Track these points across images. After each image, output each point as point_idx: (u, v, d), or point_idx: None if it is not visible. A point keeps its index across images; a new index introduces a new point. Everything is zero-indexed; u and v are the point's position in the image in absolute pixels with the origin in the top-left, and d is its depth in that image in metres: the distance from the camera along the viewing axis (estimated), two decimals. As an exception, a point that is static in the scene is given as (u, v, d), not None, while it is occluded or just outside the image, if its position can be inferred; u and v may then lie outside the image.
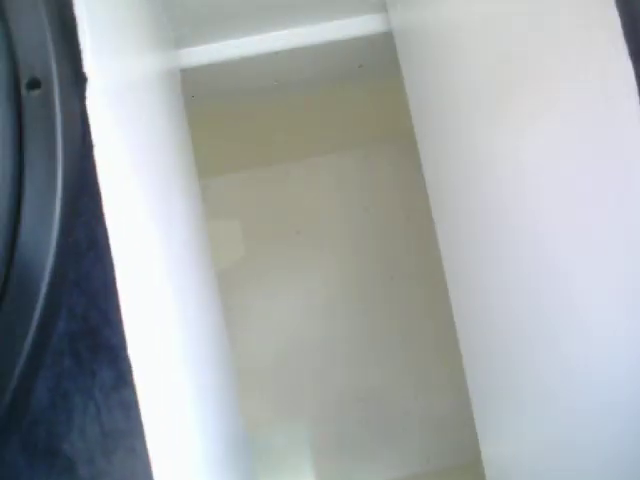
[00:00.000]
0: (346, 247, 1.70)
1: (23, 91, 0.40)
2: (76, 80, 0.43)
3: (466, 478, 1.46)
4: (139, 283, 0.45)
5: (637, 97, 0.41)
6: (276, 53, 1.05)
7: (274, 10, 1.01)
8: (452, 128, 0.84)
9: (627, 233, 0.47)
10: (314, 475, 1.66)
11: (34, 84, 0.41)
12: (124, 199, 0.45)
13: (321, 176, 1.72)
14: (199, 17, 0.98)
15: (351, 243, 1.70)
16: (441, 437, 1.66)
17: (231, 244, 1.74)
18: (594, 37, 0.46)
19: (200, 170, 1.23)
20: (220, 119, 1.59)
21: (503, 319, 0.78)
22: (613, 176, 0.47)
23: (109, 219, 0.41)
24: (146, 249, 0.50)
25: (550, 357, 0.66)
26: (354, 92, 1.57)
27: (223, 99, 1.35)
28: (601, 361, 0.55)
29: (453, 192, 0.90)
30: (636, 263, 0.46)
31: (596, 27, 0.45)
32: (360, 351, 1.68)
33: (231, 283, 1.69)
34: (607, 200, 0.49)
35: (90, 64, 0.44)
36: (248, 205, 1.72)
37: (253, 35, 1.06)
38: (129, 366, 0.41)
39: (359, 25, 1.08)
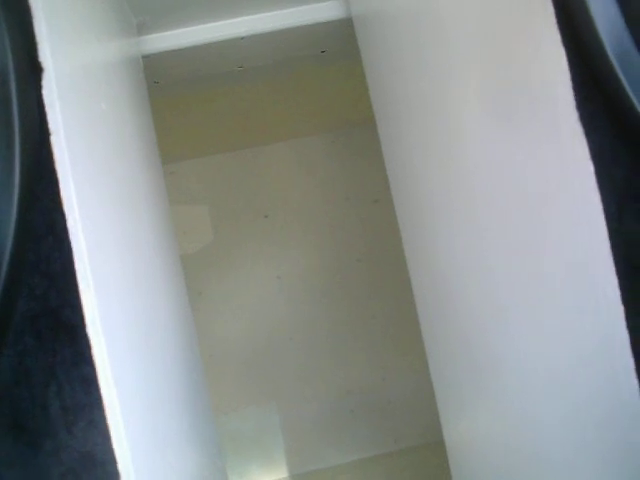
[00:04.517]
0: (314, 230, 1.72)
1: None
2: (32, 70, 0.45)
3: (431, 457, 1.50)
4: (97, 266, 0.47)
5: (570, 82, 0.45)
6: (240, 39, 1.06)
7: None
8: (407, 113, 0.86)
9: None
10: (285, 457, 1.70)
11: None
12: (81, 185, 0.46)
13: (289, 160, 1.74)
14: (161, 3, 0.99)
15: (319, 226, 1.72)
16: (408, 418, 1.70)
17: (199, 229, 1.75)
18: (530, 24, 0.49)
19: (167, 155, 1.23)
20: (186, 104, 1.60)
21: (460, 305, 0.82)
22: (548, 169, 0.50)
23: (66, 204, 0.43)
24: (105, 234, 0.52)
25: (503, 341, 0.69)
26: (320, 77, 1.59)
27: (188, 85, 1.35)
28: (550, 344, 0.59)
29: (410, 175, 0.92)
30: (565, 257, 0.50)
31: (532, 16, 0.48)
32: (327, 335, 1.71)
33: (199, 267, 1.70)
34: (546, 190, 0.52)
35: (46, 54, 0.46)
36: (216, 190, 1.73)
37: (216, 21, 1.07)
38: (88, 344, 0.44)
39: (321, 11, 1.09)
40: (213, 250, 1.73)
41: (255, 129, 1.70)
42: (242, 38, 1.05)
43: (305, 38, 1.14)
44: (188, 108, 1.61)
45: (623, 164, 0.46)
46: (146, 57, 1.05)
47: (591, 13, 0.44)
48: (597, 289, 0.47)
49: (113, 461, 0.44)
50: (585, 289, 0.49)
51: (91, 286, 0.44)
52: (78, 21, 0.62)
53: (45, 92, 0.44)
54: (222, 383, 1.69)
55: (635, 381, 0.45)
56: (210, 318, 1.70)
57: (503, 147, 0.57)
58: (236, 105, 1.63)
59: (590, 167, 0.45)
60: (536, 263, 0.56)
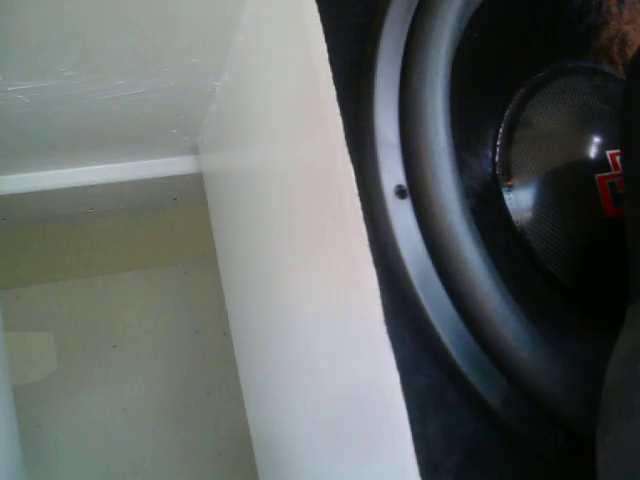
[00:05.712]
0: (162, 362, 1.73)
1: None
2: None
3: None
4: None
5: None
6: (91, 186, 1.13)
7: (90, 147, 1.09)
8: (241, 254, 0.97)
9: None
10: None
11: None
12: None
13: (139, 290, 1.77)
14: (11, 148, 1.03)
15: (168, 358, 1.74)
16: None
17: (43, 357, 1.70)
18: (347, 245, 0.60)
19: (13, 280, 1.24)
20: (36, 234, 1.61)
21: (292, 445, 0.89)
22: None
23: None
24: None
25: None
26: (171, 218, 1.67)
27: (39, 221, 1.38)
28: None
29: (244, 308, 1.02)
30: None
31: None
32: (172, 470, 1.69)
33: (41, 398, 1.64)
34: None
35: None
36: (62, 317, 1.71)
37: (69, 168, 1.13)
38: None
39: (173, 165, 1.19)
40: (56, 380, 1.68)
41: (106, 258, 1.72)
42: (92, 186, 1.11)
43: (158, 187, 1.23)
44: (38, 238, 1.62)
45: (426, 374, 0.55)
46: (-6, 198, 1.08)
47: (397, 240, 0.54)
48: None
49: None
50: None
51: None
52: None
53: None
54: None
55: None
56: (49, 451, 1.63)
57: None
58: (86, 236, 1.66)
59: (396, 376, 0.53)
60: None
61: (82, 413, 1.67)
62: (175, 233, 1.73)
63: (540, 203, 0.67)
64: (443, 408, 0.55)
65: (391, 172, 0.54)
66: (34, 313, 1.70)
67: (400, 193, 0.53)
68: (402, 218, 0.53)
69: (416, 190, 0.53)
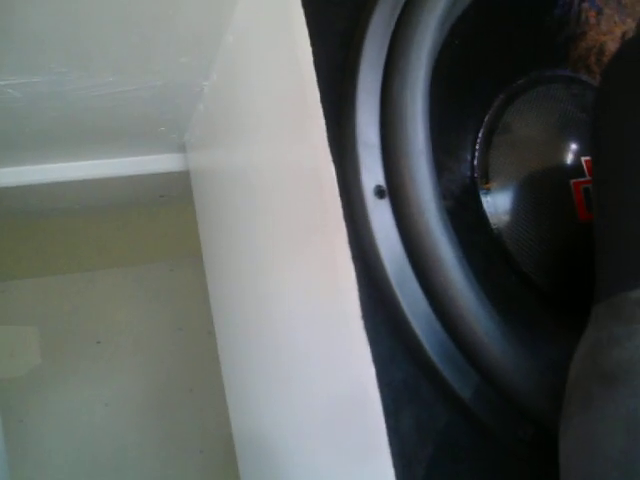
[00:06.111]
0: (146, 359, 1.73)
1: None
2: None
3: None
4: None
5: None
6: (78, 182, 1.14)
7: (79, 142, 1.10)
8: (228, 251, 0.99)
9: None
10: None
11: None
12: None
13: (124, 286, 1.76)
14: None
15: (151, 355, 1.74)
16: None
17: (27, 351, 1.70)
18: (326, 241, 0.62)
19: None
20: (22, 229, 1.61)
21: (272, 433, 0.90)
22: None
23: None
24: None
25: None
26: (158, 215, 1.67)
27: (24, 216, 1.38)
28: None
29: (229, 305, 1.04)
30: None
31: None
32: (153, 465, 1.69)
33: (24, 392, 1.64)
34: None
35: None
36: (48, 312, 1.71)
37: (56, 163, 1.14)
38: None
39: (160, 163, 1.21)
40: (40, 375, 1.68)
41: (91, 254, 1.72)
42: (79, 181, 1.12)
43: (145, 184, 1.24)
44: (23, 233, 1.62)
45: (401, 368, 0.57)
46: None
47: (376, 239, 0.56)
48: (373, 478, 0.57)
49: None
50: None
51: None
52: None
53: None
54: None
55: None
56: (32, 446, 1.63)
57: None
58: (72, 232, 1.66)
59: (372, 369, 0.55)
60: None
61: (65, 408, 1.67)
62: (161, 231, 1.74)
63: (517, 206, 0.69)
64: (417, 402, 0.57)
65: (371, 172, 0.55)
66: (19, 307, 1.70)
67: (379, 193, 0.55)
68: (381, 217, 0.55)
69: (395, 190, 0.55)
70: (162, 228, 1.72)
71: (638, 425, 0.38)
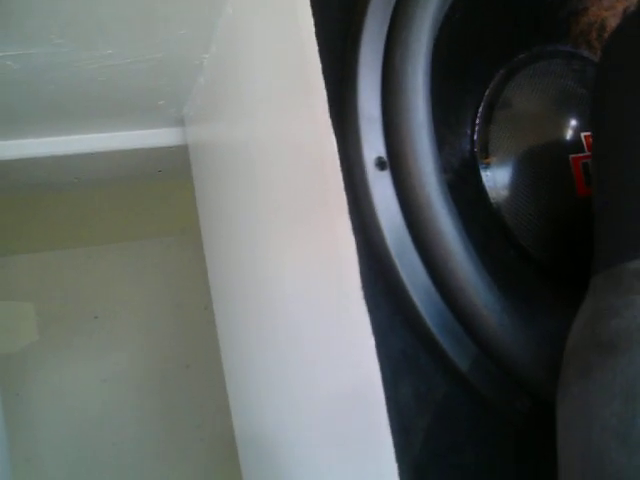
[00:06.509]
0: (144, 334, 1.74)
1: None
2: None
3: None
4: None
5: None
6: (76, 155, 1.13)
7: (77, 116, 1.10)
8: (226, 225, 0.99)
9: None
10: None
11: None
12: None
13: (122, 262, 1.76)
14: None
15: (149, 331, 1.74)
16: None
17: (24, 327, 1.70)
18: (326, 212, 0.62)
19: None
20: (20, 204, 1.60)
21: (270, 417, 0.91)
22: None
23: None
24: None
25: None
26: (157, 190, 1.67)
27: (23, 190, 1.38)
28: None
29: (227, 280, 1.04)
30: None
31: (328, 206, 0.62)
32: (151, 441, 1.70)
33: (21, 368, 1.65)
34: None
35: None
36: (44, 287, 1.71)
37: (54, 136, 1.13)
38: None
39: (159, 137, 1.20)
40: (37, 350, 1.68)
41: (89, 230, 1.72)
42: (78, 155, 1.12)
43: (143, 158, 1.23)
44: (22, 207, 1.61)
45: (400, 338, 0.57)
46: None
47: (376, 210, 0.56)
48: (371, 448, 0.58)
49: None
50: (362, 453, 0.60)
51: None
52: None
53: None
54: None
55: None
56: (29, 421, 1.64)
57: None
58: (70, 207, 1.65)
59: (371, 339, 0.56)
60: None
61: (62, 383, 1.68)
62: (159, 206, 1.73)
63: (516, 181, 0.69)
64: (416, 372, 0.57)
65: (372, 144, 0.55)
66: (16, 282, 1.70)
67: (380, 165, 0.55)
68: (381, 189, 0.55)
69: (396, 162, 0.56)
70: (160, 204, 1.72)
71: (636, 393, 0.39)
